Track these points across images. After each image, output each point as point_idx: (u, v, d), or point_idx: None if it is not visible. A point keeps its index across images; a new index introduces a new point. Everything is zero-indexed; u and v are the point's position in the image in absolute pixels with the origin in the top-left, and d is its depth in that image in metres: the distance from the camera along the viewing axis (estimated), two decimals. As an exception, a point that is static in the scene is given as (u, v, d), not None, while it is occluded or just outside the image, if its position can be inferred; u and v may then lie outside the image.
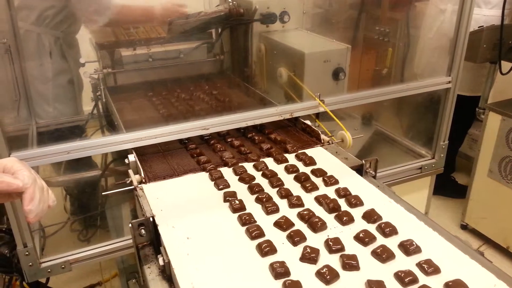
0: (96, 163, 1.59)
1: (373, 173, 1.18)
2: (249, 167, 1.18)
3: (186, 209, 1.01)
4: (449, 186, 2.98)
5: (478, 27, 2.24)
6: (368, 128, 1.91)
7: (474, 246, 2.48)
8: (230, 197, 1.02)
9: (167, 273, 0.87)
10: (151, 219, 0.95)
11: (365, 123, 1.93)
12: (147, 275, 0.89)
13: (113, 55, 1.70)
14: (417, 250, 0.85)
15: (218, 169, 1.15)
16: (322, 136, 1.34)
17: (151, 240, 0.96)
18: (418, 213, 0.99)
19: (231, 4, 1.67)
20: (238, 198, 1.02)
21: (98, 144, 1.16)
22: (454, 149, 2.99)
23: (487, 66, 2.45)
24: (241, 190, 1.06)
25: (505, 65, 2.26)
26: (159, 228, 0.92)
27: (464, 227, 2.70)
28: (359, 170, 1.18)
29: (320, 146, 1.31)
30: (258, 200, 1.02)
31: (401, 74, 1.93)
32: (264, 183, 1.10)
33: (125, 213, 1.59)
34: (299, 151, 1.25)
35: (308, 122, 1.40)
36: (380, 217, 0.95)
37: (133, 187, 1.10)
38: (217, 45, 1.83)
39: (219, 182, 1.09)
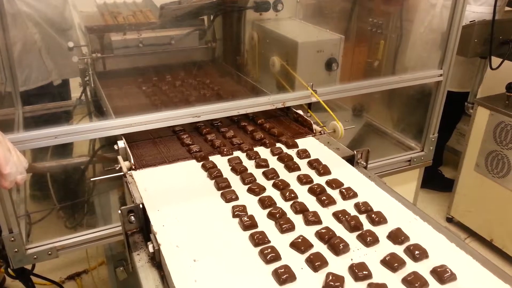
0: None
1: (364, 163, 1.18)
2: (258, 173, 1.08)
3: (181, 204, 0.96)
4: (436, 179, 3.01)
5: (470, 21, 2.25)
6: (359, 120, 1.92)
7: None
8: (239, 212, 0.93)
9: (156, 260, 0.86)
10: (140, 205, 0.94)
11: (356, 115, 1.93)
12: (136, 262, 0.88)
13: (103, 39, 1.66)
14: (452, 277, 0.77)
15: (224, 177, 1.05)
16: (314, 126, 1.33)
17: (140, 227, 0.95)
18: (409, 204, 0.99)
19: (224, -10, 1.65)
20: (249, 213, 0.93)
21: (87, 129, 1.13)
22: (442, 143, 3.02)
23: (476, 62, 2.47)
24: (251, 204, 0.97)
25: (495, 61, 2.28)
26: (161, 248, 0.83)
27: (450, 220, 2.74)
28: (351, 160, 1.18)
29: (312, 136, 1.31)
30: (270, 215, 0.92)
31: (393, 66, 1.93)
32: (276, 195, 1.00)
33: (113, 201, 1.57)
34: (312, 158, 1.15)
35: (300, 112, 1.40)
36: (407, 238, 0.86)
37: (122, 173, 1.08)
38: (209, 32, 1.81)
39: (227, 193, 0.99)
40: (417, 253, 0.82)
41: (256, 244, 0.84)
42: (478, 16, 2.38)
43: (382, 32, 1.87)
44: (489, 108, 2.29)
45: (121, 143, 1.16)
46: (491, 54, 2.26)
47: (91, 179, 1.15)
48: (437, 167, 3.09)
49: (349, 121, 1.80)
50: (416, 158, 1.73)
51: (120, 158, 1.14)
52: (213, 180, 1.05)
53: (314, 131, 1.32)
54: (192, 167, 1.12)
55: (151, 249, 0.85)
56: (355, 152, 1.17)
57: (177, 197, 0.99)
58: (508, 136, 2.21)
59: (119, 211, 0.91)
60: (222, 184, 1.02)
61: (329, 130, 1.34)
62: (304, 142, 1.25)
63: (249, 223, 0.89)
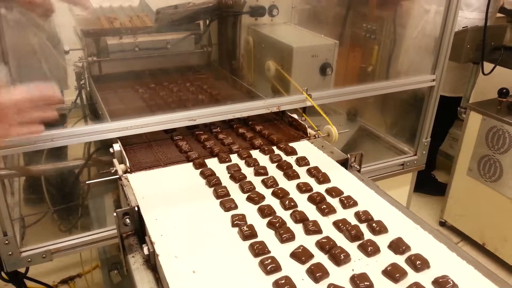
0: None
1: (358, 167, 1.20)
2: (257, 181, 1.07)
3: (179, 212, 0.95)
4: (429, 183, 3.04)
5: (462, 27, 2.28)
6: (353, 124, 1.94)
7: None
8: (239, 221, 0.92)
9: (151, 263, 0.86)
10: (136, 208, 0.94)
11: (350, 119, 1.95)
12: (131, 264, 0.88)
13: (99, 43, 1.67)
14: None
15: (223, 184, 1.05)
16: (309, 130, 1.34)
17: (135, 229, 0.96)
18: (403, 208, 1.00)
19: (220, -5, 1.67)
20: (248, 222, 0.92)
21: (83, 132, 1.14)
22: (435, 148, 3.05)
23: (469, 67, 2.50)
24: (250, 212, 0.96)
25: (487, 66, 2.31)
26: (160, 258, 0.82)
27: (443, 224, 2.76)
28: (344, 164, 1.19)
29: (307, 140, 1.32)
30: (270, 225, 0.92)
31: (386, 71, 1.95)
32: (275, 203, 0.99)
33: (108, 204, 1.57)
34: (311, 166, 1.15)
35: (295, 116, 1.41)
36: (408, 247, 0.86)
37: (118, 176, 1.09)
38: (205, 37, 1.82)
39: (226, 202, 0.98)
40: (419, 263, 0.81)
41: (256, 255, 0.83)
42: (470, 22, 2.41)
43: (376, 37, 1.90)
44: (482, 113, 2.32)
45: (117, 146, 1.16)
46: (483, 60, 2.29)
47: (87, 182, 1.15)
48: (430, 171, 3.12)
49: (343, 125, 1.81)
50: (409, 162, 1.74)
51: (115, 161, 1.14)
52: (212, 188, 1.04)
53: (309, 135, 1.34)
54: (189, 171, 1.12)
55: (146, 252, 0.86)
56: (349, 155, 1.18)
57: (175, 205, 0.98)
58: (500, 141, 2.24)
59: (115, 214, 0.92)
60: (221, 192, 1.01)
61: (323, 134, 1.36)
62: (298, 146, 1.26)
63: (248, 233, 0.88)
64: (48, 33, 1.78)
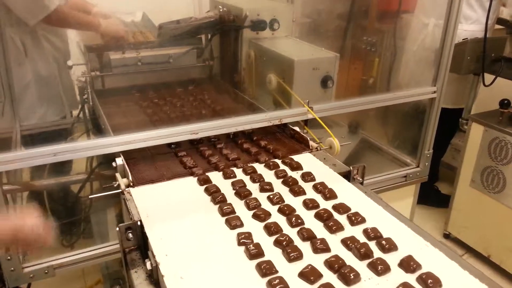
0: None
1: (361, 179, 1.19)
2: (262, 198, 1.05)
3: (184, 230, 0.93)
4: (432, 195, 3.02)
5: (462, 39, 2.30)
6: (354, 137, 1.94)
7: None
8: (245, 240, 0.90)
9: (154, 278, 0.86)
10: (138, 223, 0.94)
11: (351, 131, 1.95)
12: (134, 279, 0.87)
13: (102, 58, 1.68)
14: None
15: (228, 201, 1.03)
16: (311, 143, 1.34)
17: (138, 244, 0.95)
18: (411, 224, 0.99)
19: (221, 10, 1.69)
20: (254, 241, 0.90)
21: (85, 147, 1.14)
22: (437, 159, 3.04)
23: (469, 79, 2.51)
24: (256, 230, 0.94)
25: (488, 77, 2.32)
26: (165, 279, 0.80)
27: (447, 236, 2.74)
28: (347, 176, 1.19)
29: (309, 152, 1.32)
30: (277, 243, 0.89)
31: (387, 83, 1.96)
32: (281, 221, 0.97)
33: (110, 219, 1.57)
34: (317, 182, 1.13)
35: (296, 128, 1.41)
36: (419, 266, 0.84)
37: (120, 190, 1.09)
38: (207, 51, 1.84)
39: (231, 220, 0.96)
40: (430, 282, 0.79)
41: (263, 275, 0.81)
42: (470, 34, 2.43)
43: (376, 50, 1.91)
44: (483, 124, 2.31)
45: (119, 160, 1.16)
46: (484, 71, 2.30)
47: (90, 196, 1.15)
48: (433, 183, 3.10)
49: (345, 137, 1.81)
50: (412, 174, 1.74)
51: (118, 175, 1.14)
52: (217, 205, 1.02)
53: (311, 147, 1.34)
54: (193, 186, 1.11)
55: (149, 267, 0.85)
56: (351, 168, 1.18)
57: (179, 223, 0.97)
58: (503, 152, 2.23)
59: (117, 228, 0.92)
60: (226, 210, 0.99)
61: (325, 146, 1.36)
62: (300, 159, 1.26)
63: (255, 252, 0.86)
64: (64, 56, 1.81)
